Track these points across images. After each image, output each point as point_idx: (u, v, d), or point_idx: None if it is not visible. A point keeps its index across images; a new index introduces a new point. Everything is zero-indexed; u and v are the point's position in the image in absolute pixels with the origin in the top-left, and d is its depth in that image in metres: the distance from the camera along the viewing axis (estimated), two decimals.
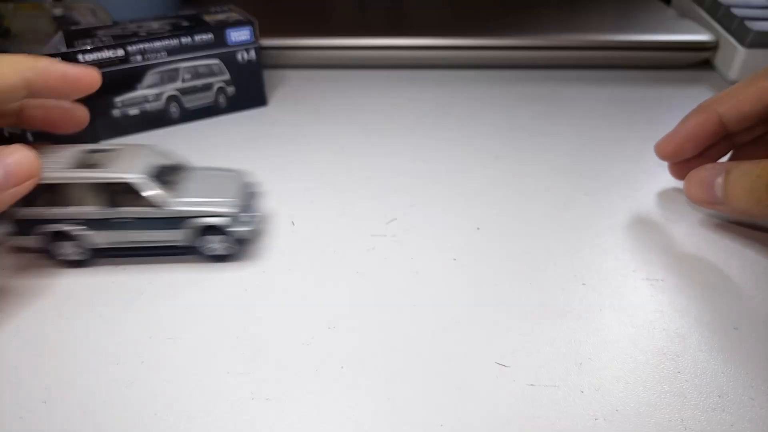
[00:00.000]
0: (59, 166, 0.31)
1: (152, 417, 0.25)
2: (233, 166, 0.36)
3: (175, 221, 0.32)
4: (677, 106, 0.50)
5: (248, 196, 0.34)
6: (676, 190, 0.40)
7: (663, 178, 0.41)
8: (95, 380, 0.27)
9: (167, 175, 0.33)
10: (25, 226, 0.32)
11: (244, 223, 0.32)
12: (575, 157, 0.43)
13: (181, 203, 0.31)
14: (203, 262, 0.33)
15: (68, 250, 0.32)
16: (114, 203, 0.31)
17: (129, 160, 0.32)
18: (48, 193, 0.31)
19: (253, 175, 0.36)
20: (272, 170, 0.41)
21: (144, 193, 0.31)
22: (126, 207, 0.31)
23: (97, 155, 0.32)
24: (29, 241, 0.32)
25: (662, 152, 0.38)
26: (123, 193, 0.31)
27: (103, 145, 0.34)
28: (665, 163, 0.42)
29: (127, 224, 0.32)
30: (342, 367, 0.27)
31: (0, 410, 0.25)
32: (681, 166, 0.39)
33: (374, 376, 0.27)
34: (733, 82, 0.54)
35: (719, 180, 0.34)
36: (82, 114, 0.37)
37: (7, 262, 0.33)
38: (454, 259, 0.33)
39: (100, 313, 0.30)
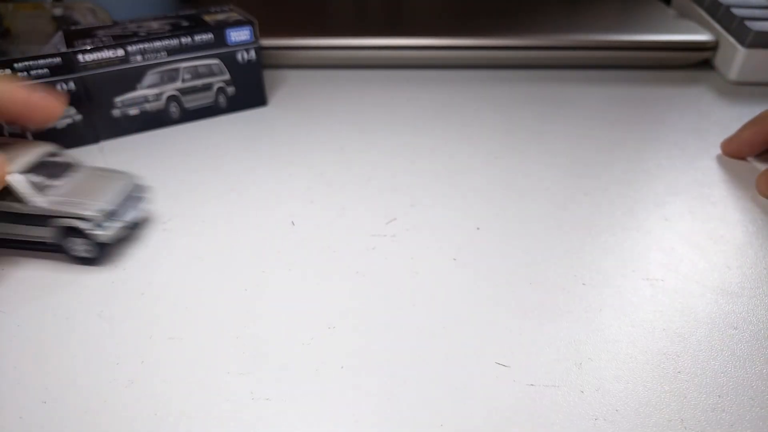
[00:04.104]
0: None
1: (152, 417, 0.25)
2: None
3: (40, 219, 0.32)
4: (677, 106, 0.50)
5: (126, 201, 0.34)
6: (675, 190, 0.40)
7: (662, 178, 0.41)
8: (95, 380, 0.27)
9: (47, 172, 0.33)
10: None
11: (106, 228, 0.32)
12: (575, 156, 0.43)
13: (45, 201, 0.32)
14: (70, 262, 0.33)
15: None
16: None
17: (11, 155, 0.32)
18: None
19: (141, 179, 0.36)
20: (272, 170, 0.41)
21: (12, 190, 0.31)
22: None
23: None
24: None
25: (725, 151, 0.44)
26: None
27: (11, 138, 0.35)
28: (664, 164, 0.42)
29: None
30: (342, 367, 0.27)
31: (0, 410, 0.25)
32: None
33: (374, 376, 0.27)
34: (733, 82, 0.54)
35: None
36: (57, 107, 0.34)
37: (6, 261, 0.33)
38: (454, 259, 0.33)
39: (100, 313, 0.30)
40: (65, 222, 0.32)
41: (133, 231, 0.36)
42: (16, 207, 0.32)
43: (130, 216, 0.34)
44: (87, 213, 0.32)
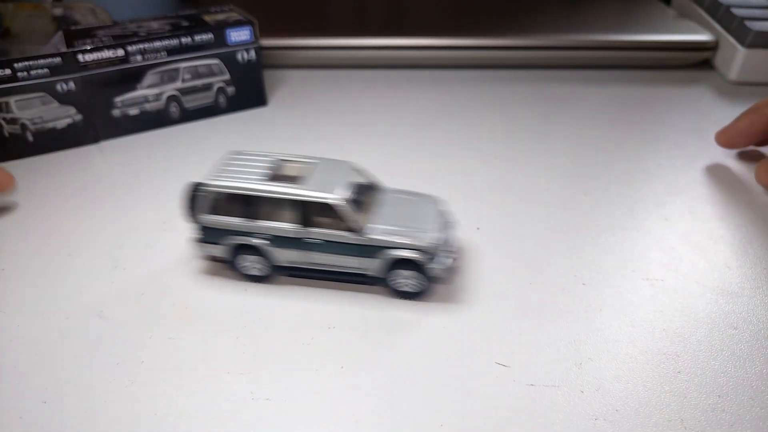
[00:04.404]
0: (254, 176, 0.30)
1: (152, 417, 0.25)
2: (425, 190, 0.34)
3: (369, 249, 0.29)
4: (677, 106, 0.50)
5: (444, 227, 0.31)
6: (675, 190, 0.40)
7: (661, 178, 0.41)
8: (95, 380, 0.27)
9: (362, 196, 0.30)
10: (213, 235, 0.31)
11: (441, 260, 0.29)
12: (575, 156, 0.43)
13: (379, 231, 0.29)
14: (387, 295, 0.31)
15: (252, 264, 0.31)
16: (308, 223, 0.29)
17: (328, 178, 0.30)
18: (241, 203, 0.29)
19: (445, 202, 0.33)
20: None
21: (343, 217, 0.29)
22: (321, 228, 0.29)
23: (293, 167, 0.31)
24: (216, 250, 0.31)
25: (719, 141, 0.43)
26: (320, 213, 0.29)
27: (297, 156, 0.32)
28: (664, 164, 0.42)
29: (317, 246, 0.29)
30: (342, 367, 0.27)
31: (0, 410, 0.25)
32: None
33: (374, 376, 0.27)
34: (733, 82, 0.54)
35: None
36: (9, 182, 0.37)
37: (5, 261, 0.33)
38: (454, 259, 0.33)
39: (100, 313, 0.30)
40: (398, 254, 0.29)
41: (455, 262, 0.33)
42: (344, 237, 0.29)
43: (454, 245, 0.31)
44: (424, 244, 0.29)
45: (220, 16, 0.47)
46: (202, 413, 0.25)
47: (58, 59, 0.41)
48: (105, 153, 0.44)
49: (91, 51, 0.42)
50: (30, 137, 0.42)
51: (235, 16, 0.47)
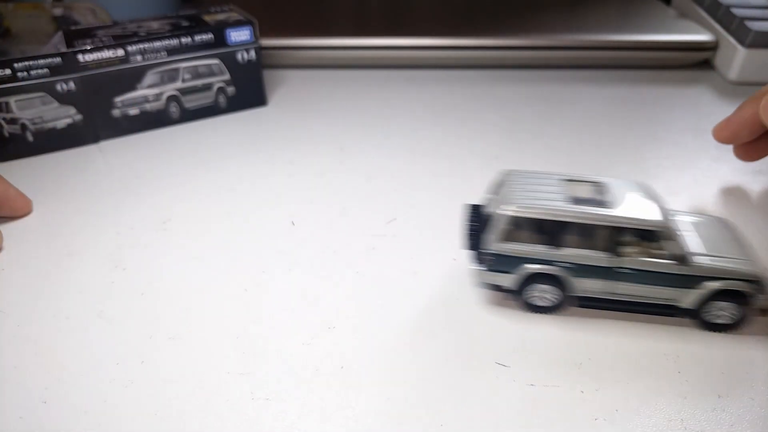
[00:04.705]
0: (556, 200, 0.27)
1: (152, 417, 0.25)
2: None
3: (689, 279, 0.27)
4: (677, 106, 0.50)
5: (751, 252, 0.28)
6: (675, 190, 0.40)
7: (661, 178, 0.41)
8: (95, 380, 0.27)
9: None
10: (503, 263, 0.28)
11: (765, 289, 0.27)
12: (575, 156, 0.43)
13: (708, 259, 0.27)
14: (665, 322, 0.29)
15: (542, 294, 0.28)
16: (619, 250, 0.27)
17: (635, 200, 0.27)
18: (544, 230, 0.27)
19: (735, 223, 0.31)
20: (272, 170, 0.41)
21: (671, 244, 0.26)
22: (639, 257, 0.27)
23: (584, 188, 0.28)
24: (504, 279, 0.28)
25: (719, 137, 0.40)
26: (638, 239, 0.26)
27: (574, 174, 0.29)
28: (663, 164, 0.42)
29: (627, 276, 0.27)
30: (342, 367, 0.27)
31: (0, 410, 0.25)
32: (746, 147, 0.40)
33: (374, 376, 0.27)
34: (733, 82, 0.54)
35: None
36: (25, 205, 0.37)
37: None
38: (454, 259, 0.33)
39: (100, 313, 0.30)
40: (723, 285, 0.27)
41: None
42: (667, 266, 0.27)
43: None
44: (756, 273, 0.27)
45: (220, 16, 0.47)
46: (202, 413, 0.25)
47: (58, 59, 0.41)
48: (105, 153, 0.44)
49: (91, 51, 0.42)
50: (30, 137, 0.42)
51: (235, 16, 0.47)
